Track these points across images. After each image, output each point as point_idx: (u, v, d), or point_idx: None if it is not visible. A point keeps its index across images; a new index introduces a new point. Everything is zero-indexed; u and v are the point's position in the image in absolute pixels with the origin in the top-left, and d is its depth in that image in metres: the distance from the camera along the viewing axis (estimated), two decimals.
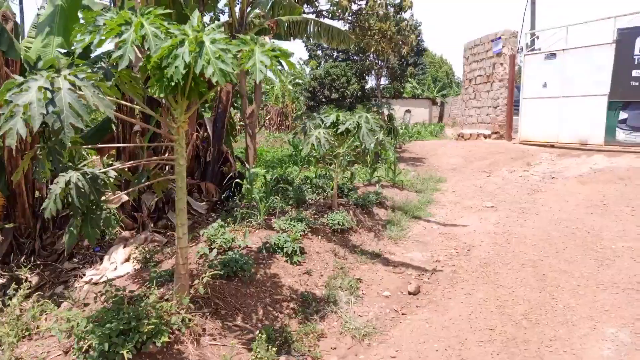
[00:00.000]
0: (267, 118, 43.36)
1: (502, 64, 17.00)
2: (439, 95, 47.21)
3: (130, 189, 4.46)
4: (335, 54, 44.02)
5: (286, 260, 5.32)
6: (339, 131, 6.36)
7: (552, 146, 15.23)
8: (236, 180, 7.50)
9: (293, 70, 3.98)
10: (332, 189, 8.08)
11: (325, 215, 6.68)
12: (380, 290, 5.24)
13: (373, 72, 42.98)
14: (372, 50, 13.49)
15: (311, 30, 8.84)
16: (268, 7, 8.47)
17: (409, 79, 49.32)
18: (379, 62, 44.06)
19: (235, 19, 7.54)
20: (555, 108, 15.03)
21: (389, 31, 12.68)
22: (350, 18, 13.51)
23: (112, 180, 3.90)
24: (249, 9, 7.78)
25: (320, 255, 5.69)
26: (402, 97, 44.76)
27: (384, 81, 46.50)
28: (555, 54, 15.00)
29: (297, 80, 43.80)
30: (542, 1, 17.95)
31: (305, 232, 6.03)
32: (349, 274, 5.45)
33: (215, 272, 4.29)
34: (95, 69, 3.65)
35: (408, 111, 44.51)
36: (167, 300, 3.97)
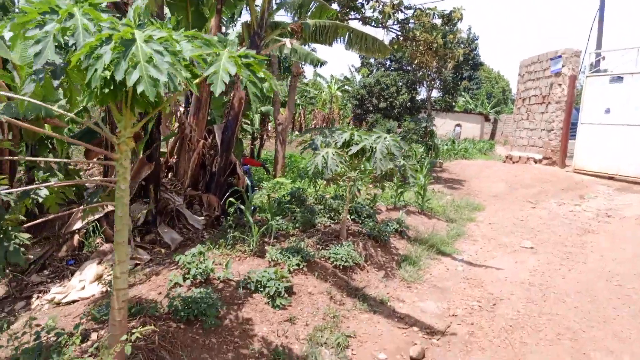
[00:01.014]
0: (313, 123, 42.89)
1: (560, 85, 15.46)
2: (492, 112, 45.09)
3: (80, 207, 3.75)
4: (387, 62, 43.01)
5: (267, 302, 4.46)
6: (350, 152, 5.45)
7: (611, 178, 13.62)
8: (235, 194, 6.69)
9: (269, 83, 3.17)
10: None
11: (329, 247, 5.78)
12: (375, 350, 4.28)
13: (425, 83, 41.64)
14: (415, 62, 12.45)
15: (342, 36, 7.98)
16: (295, 9, 7.68)
17: (462, 93, 47.45)
18: (431, 73, 42.71)
19: (255, 19, 6.79)
20: (617, 136, 13.41)
21: (435, 43, 11.61)
22: (395, 27, 12.55)
23: (41, 198, 3.20)
24: (271, 9, 7.01)
25: (312, 298, 4.80)
26: (453, 111, 43.15)
27: (436, 93, 44.95)
28: (622, 77, 13.40)
29: (345, 87, 43.03)
30: (610, 21, 16.31)
31: (300, 266, 5.16)
32: (341, 326, 4.52)
33: (147, 327, 3.47)
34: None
35: (458, 125, 42.84)
36: (91, 355, 3.21)
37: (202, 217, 6.64)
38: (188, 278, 4.57)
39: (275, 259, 5.17)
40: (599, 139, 13.99)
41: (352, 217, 7.24)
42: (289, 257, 5.17)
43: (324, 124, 41.61)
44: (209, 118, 7.48)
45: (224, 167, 6.98)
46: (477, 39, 40.14)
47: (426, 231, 7.75)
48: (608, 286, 5.90)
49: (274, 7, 7.13)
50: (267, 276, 4.57)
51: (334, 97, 42.41)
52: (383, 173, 5.32)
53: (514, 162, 17.91)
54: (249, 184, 10.49)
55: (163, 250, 5.83)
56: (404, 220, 7.42)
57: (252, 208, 7.59)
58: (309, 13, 8.65)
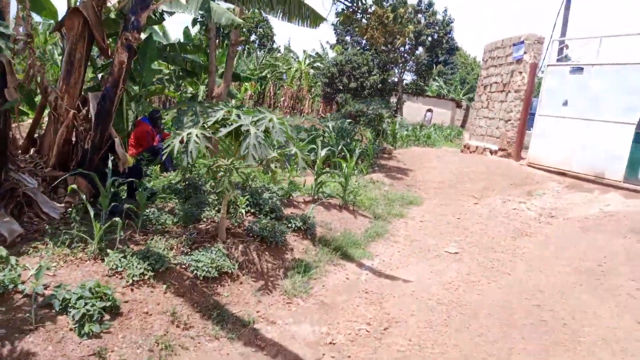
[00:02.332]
0: (281, 100, 41.60)
1: (521, 72, 14.59)
2: (464, 98, 44.34)
3: None
4: (363, 41, 41.73)
5: (73, 329, 3.42)
6: (219, 134, 4.40)
7: (563, 174, 12.91)
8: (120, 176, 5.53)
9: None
10: (244, 205, 6.13)
11: (198, 250, 4.74)
12: None
13: (399, 65, 40.64)
14: (365, 37, 11.34)
15: None
16: None
17: (436, 78, 46.63)
18: (405, 55, 41.67)
19: None
20: (573, 130, 12.67)
21: (385, 18, 10.50)
22: None
23: None
24: None
25: (146, 320, 3.77)
26: (425, 95, 42.38)
27: (410, 76, 44.05)
28: (582, 68, 12.58)
29: (317, 64, 41.64)
30: (578, 9, 15.48)
31: (147, 276, 4.12)
32: None
33: None
34: None
35: (430, 111, 42.06)
36: None
37: (62, 205, 5.50)
38: None
39: (115, 267, 4.11)
40: (554, 132, 13.24)
41: (253, 210, 6.21)
42: (132, 263, 4.12)
43: (292, 102, 40.30)
44: (92, 84, 6.28)
45: (98, 144, 5.81)
46: (452, 22, 39.08)
47: (340, 229, 6.78)
48: (525, 306, 5.05)
49: None
50: (77, 293, 3.51)
51: (304, 74, 41.04)
52: (260, 161, 4.28)
53: (471, 152, 17.14)
54: (164, 163, 9.31)
55: None
56: (311, 216, 6.41)
57: (152, 192, 6.51)
58: None
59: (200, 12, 8.50)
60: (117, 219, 4.41)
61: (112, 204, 5.01)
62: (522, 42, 14.63)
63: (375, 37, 11.24)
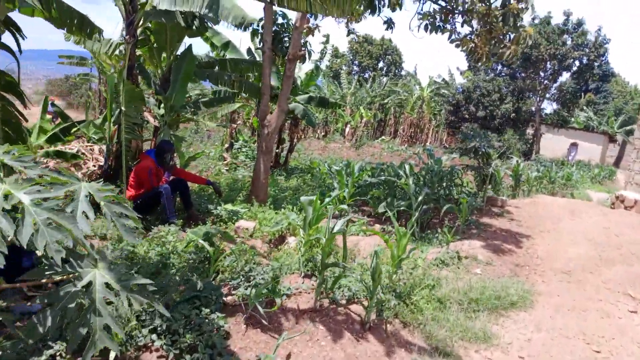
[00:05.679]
0: (401, 128, 38.40)
1: None
2: (620, 131, 36.04)
3: None
4: (498, 67, 36.96)
5: None
6: None
7: None
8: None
9: None
10: (145, 333, 3.14)
11: None
12: None
13: (537, 92, 35.15)
14: (464, 47, 7.80)
15: None
16: None
17: (584, 108, 39.20)
18: (546, 82, 35.88)
19: None
20: None
21: (491, 17, 6.91)
22: None
23: None
24: None
25: None
26: (568, 127, 35.69)
27: (552, 106, 37.85)
28: None
29: (442, 91, 37.57)
30: None
31: None
32: None
33: None
34: None
35: (574, 145, 35.08)
36: None
37: None
38: None
39: None
40: None
41: (162, 342, 3.19)
42: None
43: (411, 131, 36.75)
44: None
45: None
46: (607, 43, 32.30)
47: None
48: None
49: None
50: None
51: (426, 101, 37.24)
52: None
53: (626, 208, 12.07)
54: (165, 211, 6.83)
55: None
56: None
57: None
58: None
59: (206, 11, 5.96)
60: None
61: None
62: None
63: (479, 47, 7.61)
